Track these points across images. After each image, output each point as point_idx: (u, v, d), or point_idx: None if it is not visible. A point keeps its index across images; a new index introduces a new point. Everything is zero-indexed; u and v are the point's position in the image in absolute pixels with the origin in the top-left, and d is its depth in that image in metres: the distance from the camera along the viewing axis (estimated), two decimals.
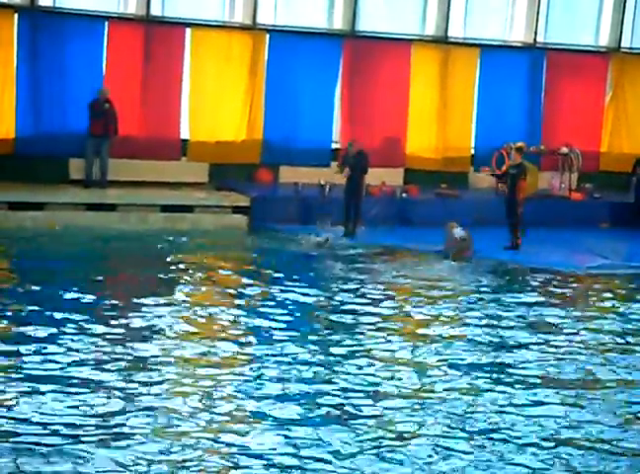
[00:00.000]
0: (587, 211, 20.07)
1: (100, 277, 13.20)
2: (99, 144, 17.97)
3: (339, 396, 8.78)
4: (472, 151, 21.40)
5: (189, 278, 13.50)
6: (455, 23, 21.08)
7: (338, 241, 16.42)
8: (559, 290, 14.15)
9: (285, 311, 11.85)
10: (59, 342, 9.81)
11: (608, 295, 13.97)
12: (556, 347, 10.86)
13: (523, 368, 9.98)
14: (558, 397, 9.10)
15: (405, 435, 7.90)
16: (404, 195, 19.24)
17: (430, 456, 7.53)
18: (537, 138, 21.31)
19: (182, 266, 14.25)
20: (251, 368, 9.45)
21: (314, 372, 9.42)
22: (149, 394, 8.52)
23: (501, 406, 8.76)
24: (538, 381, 9.59)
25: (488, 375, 9.64)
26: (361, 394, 8.89)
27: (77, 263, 14.05)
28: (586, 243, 17.86)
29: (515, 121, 21.21)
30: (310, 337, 10.71)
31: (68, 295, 11.81)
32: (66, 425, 7.65)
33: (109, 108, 18.05)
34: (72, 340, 9.91)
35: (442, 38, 20.99)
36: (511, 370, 9.88)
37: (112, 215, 17.00)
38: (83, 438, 7.41)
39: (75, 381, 8.70)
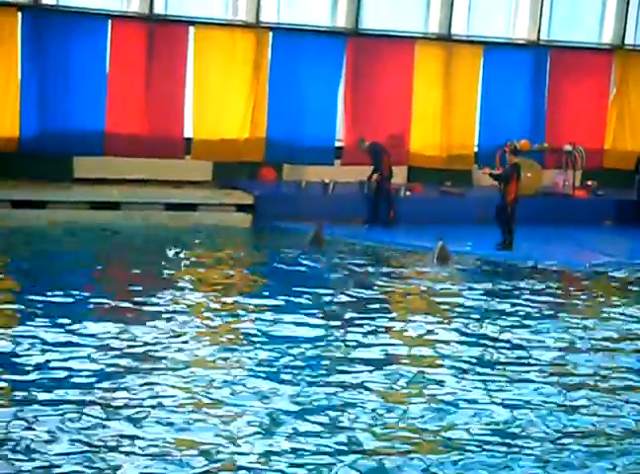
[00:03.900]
0: (590, 209, 20.04)
1: (100, 276, 13.18)
2: None
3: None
4: (476, 149, 21.40)
5: (191, 277, 13.49)
6: (459, 20, 21.08)
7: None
8: (562, 289, 14.15)
9: (290, 308, 11.85)
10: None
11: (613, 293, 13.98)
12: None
13: None
14: None
15: None
16: (408, 193, 19.24)
17: None
18: (541, 136, 21.30)
19: (185, 264, 14.26)
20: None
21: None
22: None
23: None
24: None
25: None
26: None
27: (79, 260, 14.06)
28: (589, 240, 17.84)
29: (518, 119, 21.20)
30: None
31: (66, 293, 11.80)
32: None
33: None
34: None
35: (446, 35, 20.97)
36: None
37: (115, 214, 17.02)
38: None
39: None
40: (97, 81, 18.55)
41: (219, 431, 7.75)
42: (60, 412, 7.89)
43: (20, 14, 18.03)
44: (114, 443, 7.38)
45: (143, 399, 8.34)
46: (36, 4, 18.21)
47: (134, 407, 8.13)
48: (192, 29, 19.24)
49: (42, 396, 8.26)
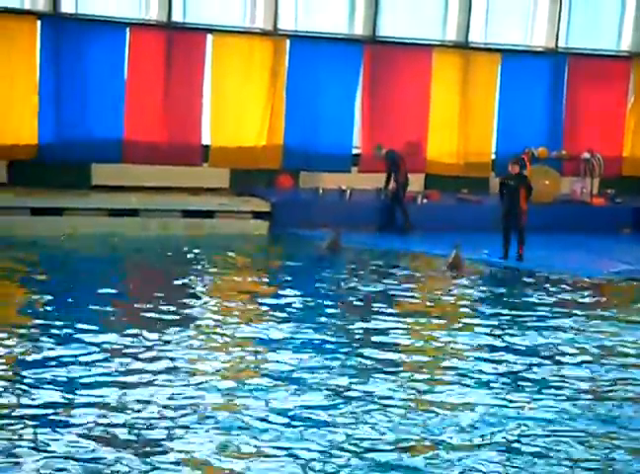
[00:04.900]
0: (608, 217, 20.00)
1: (117, 284, 13.23)
2: None
3: None
4: (493, 156, 21.38)
5: (207, 284, 13.55)
6: (476, 28, 21.09)
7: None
8: (580, 297, 14.08)
9: (301, 314, 11.91)
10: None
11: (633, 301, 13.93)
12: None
13: None
14: None
15: None
16: (425, 200, 19.24)
17: None
18: (559, 143, 21.26)
19: (201, 271, 14.31)
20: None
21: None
22: None
23: None
24: None
25: None
26: None
27: (96, 267, 14.14)
28: (607, 248, 17.78)
29: (536, 127, 21.18)
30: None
31: (87, 302, 11.85)
32: None
33: None
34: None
35: (463, 43, 20.98)
36: None
37: (133, 221, 17.08)
38: None
39: None
40: (115, 89, 18.67)
41: None
42: None
43: (39, 22, 18.16)
44: None
45: None
46: (55, 12, 18.33)
47: None
48: (210, 36, 19.33)
49: None
